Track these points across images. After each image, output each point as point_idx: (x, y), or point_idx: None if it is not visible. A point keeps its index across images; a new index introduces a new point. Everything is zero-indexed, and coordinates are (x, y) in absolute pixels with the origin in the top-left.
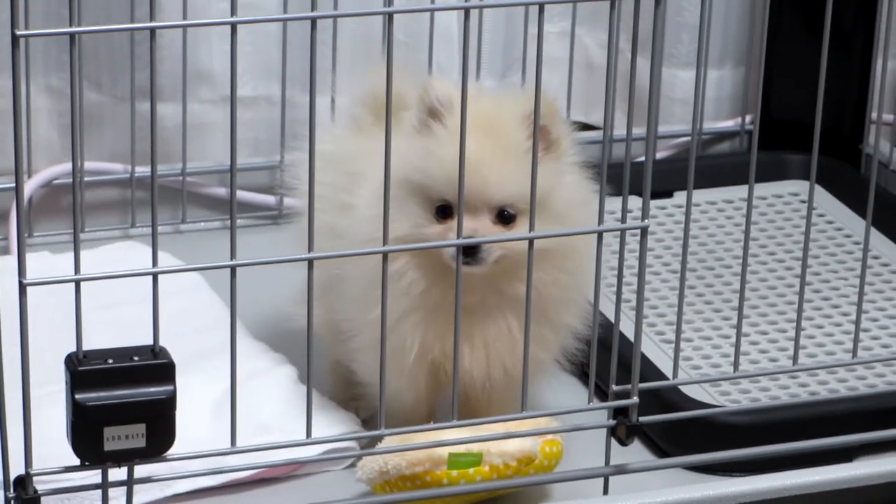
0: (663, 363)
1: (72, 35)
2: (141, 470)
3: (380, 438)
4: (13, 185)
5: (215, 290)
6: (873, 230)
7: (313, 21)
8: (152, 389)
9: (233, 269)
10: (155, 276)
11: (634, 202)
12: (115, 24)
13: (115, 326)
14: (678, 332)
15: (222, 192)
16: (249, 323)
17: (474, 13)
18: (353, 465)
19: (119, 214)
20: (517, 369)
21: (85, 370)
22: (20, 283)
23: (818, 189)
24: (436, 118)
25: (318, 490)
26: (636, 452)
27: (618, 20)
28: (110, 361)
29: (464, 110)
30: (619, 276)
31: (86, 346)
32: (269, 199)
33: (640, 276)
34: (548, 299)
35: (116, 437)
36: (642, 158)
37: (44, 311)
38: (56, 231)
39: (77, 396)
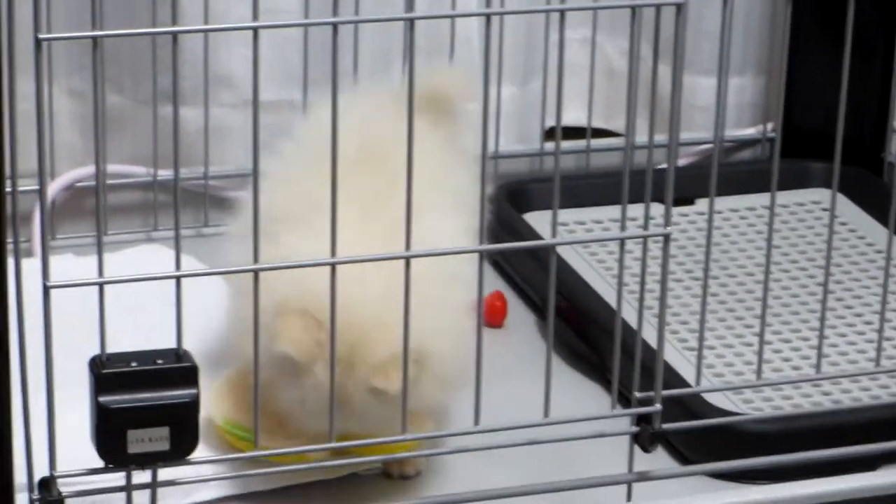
0: (686, 370)
1: (94, 39)
2: (164, 473)
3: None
4: (37, 187)
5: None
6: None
7: (335, 26)
8: (176, 392)
9: (255, 272)
10: (178, 279)
11: (657, 209)
12: (138, 27)
13: (139, 329)
14: (701, 339)
15: (244, 195)
16: None
17: (495, 19)
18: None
19: (141, 217)
20: None
21: (109, 373)
22: (44, 285)
23: (840, 197)
24: None
25: (345, 497)
26: (659, 459)
27: (639, 27)
28: (134, 364)
29: (485, 118)
30: (642, 283)
31: (109, 349)
32: None
33: (663, 282)
34: None
35: (140, 440)
36: (664, 165)
37: (67, 314)
38: (79, 234)
39: (101, 399)
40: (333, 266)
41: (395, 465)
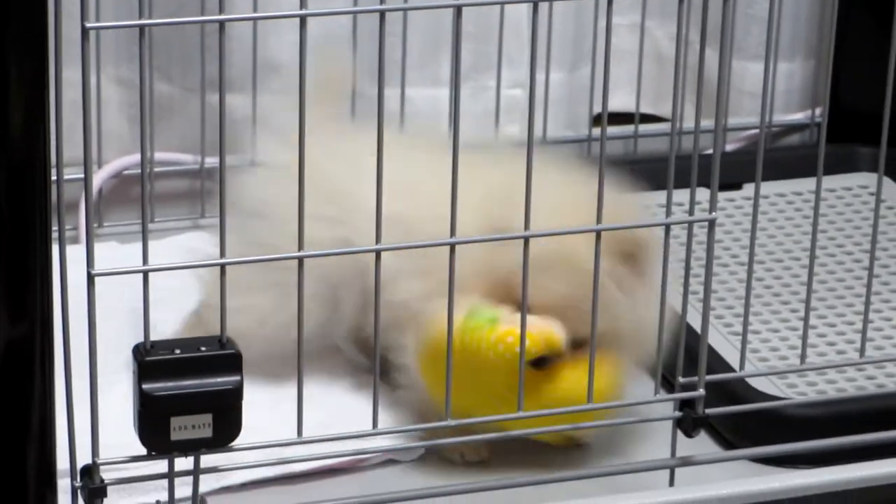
0: (730, 355)
1: (141, 27)
2: (206, 460)
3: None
4: (82, 175)
5: None
6: None
7: (382, 14)
8: (219, 380)
9: (300, 259)
10: (223, 266)
11: (703, 194)
12: (187, 15)
13: (183, 316)
14: (745, 323)
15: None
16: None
17: (544, 6)
18: (420, 458)
19: (188, 205)
20: None
21: (152, 360)
22: (88, 273)
23: (888, 181)
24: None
25: (380, 482)
26: (702, 444)
27: (687, 13)
28: (177, 352)
29: (532, 104)
30: (687, 268)
31: (153, 337)
32: None
33: (708, 267)
34: None
35: (183, 427)
36: (711, 150)
37: (110, 301)
38: (126, 221)
39: (144, 386)
40: (378, 253)
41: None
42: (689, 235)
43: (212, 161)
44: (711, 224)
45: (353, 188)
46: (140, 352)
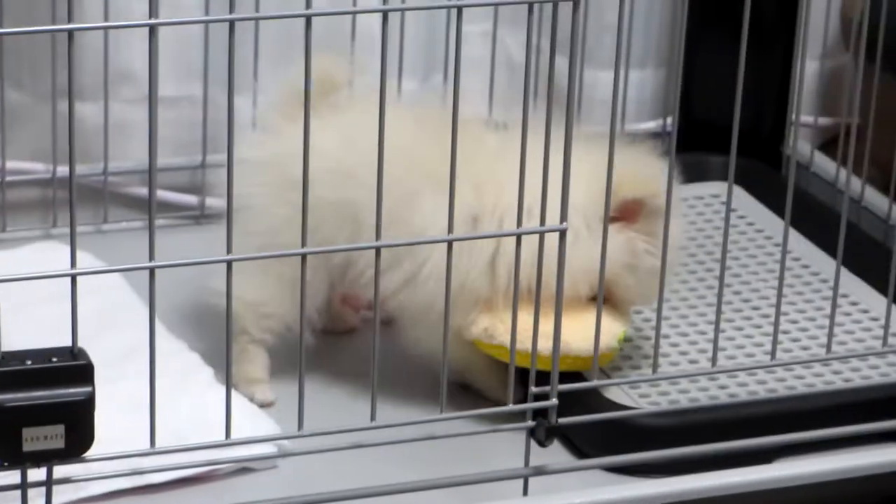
0: None
1: None
2: (59, 471)
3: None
4: None
5: (135, 289)
6: (793, 231)
7: (232, 23)
8: (71, 391)
9: (152, 270)
10: (74, 277)
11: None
12: (37, 23)
13: (35, 326)
14: (597, 333)
15: (144, 191)
16: (169, 322)
17: (395, 15)
18: (273, 467)
19: (40, 214)
20: None
21: (3, 371)
22: None
23: (739, 190)
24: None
25: (236, 492)
26: (556, 454)
27: (539, 21)
28: (29, 363)
29: (382, 113)
30: (539, 278)
31: (4, 347)
32: (191, 199)
33: (560, 277)
34: None
35: (35, 438)
36: None
37: None
38: None
39: None
40: (230, 263)
41: None
42: (541, 245)
43: (63, 170)
44: (562, 234)
45: (349, 155)
46: None
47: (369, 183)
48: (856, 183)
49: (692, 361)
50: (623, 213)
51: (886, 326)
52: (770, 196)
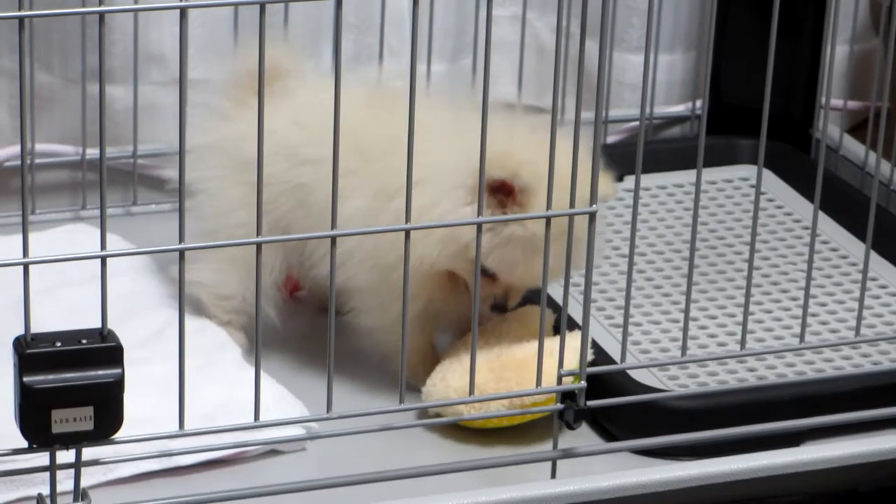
0: (612, 347)
1: (20, 19)
2: (88, 452)
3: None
4: None
5: (164, 270)
6: (822, 215)
7: (262, 6)
8: (100, 372)
9: (181, 252)
10: (103, 259)
11: None
12: (67, 5)
13: (64, 308)
14: (626, 316)
15: (173, 174)
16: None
17: None
18: (302, 450)
19: (70, 196)
20: None
21: (33, 353)
22: None
23: (768, 174)
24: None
25: (265, 474)
26: (584, 436)
27: (568, 4)
28: (58, 344)
29: (412, 95)
30: (568, 260)
31: (34, 329)
32: None
33: (589, 259)
34: None
35: (64, 420)
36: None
37: None
38: (6, 213)
39: (25, 379)
40: (259, 245)
41: None
42: (570, 227)
43: (93, 152)
44: (592, 216)
45: (296, 135)
46: (21, 344)
47: (315, 162)
48: (885, 166)
49: (721, 344)
50: (497, 190)
51: None
52: (799, 179)
